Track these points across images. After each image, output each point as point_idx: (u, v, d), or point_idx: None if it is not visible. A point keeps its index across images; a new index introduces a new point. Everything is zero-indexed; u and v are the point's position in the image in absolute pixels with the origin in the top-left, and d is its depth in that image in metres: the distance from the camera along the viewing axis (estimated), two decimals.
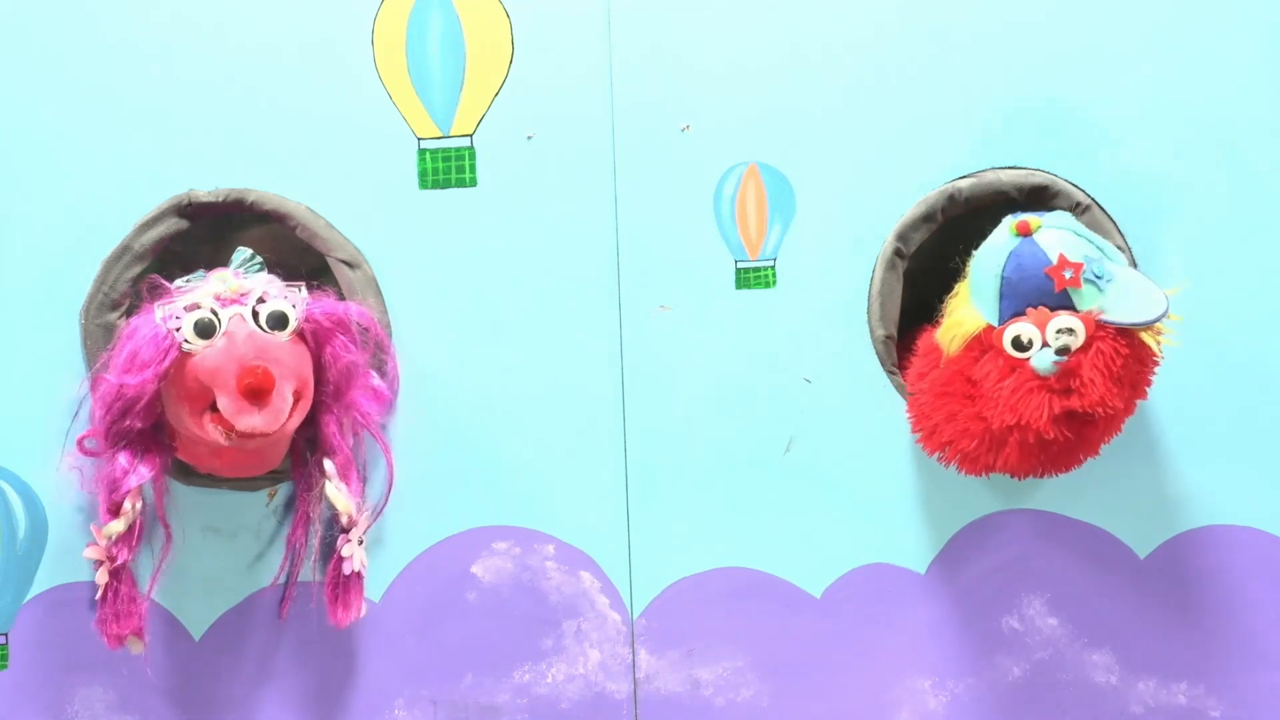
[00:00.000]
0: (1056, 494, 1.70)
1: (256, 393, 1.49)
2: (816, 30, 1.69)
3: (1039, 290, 1.50)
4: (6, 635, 1.69)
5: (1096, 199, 1.68)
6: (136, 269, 1.67)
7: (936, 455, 1.60)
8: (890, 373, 1.69)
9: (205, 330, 1.51)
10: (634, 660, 1.72)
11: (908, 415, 1.64)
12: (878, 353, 1.70)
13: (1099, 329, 1.48)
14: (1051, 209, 1.67)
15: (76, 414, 1.65)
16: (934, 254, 1.67)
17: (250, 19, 1.69)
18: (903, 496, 1.71)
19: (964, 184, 1.68)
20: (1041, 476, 1.59)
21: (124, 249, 1.67)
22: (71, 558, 1.67)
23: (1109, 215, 1.67)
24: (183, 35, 1.68)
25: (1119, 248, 1.66)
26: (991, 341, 1.52)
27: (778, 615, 1.71)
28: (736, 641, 1.72)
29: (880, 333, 1.69)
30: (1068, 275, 1.49)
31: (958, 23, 1.69)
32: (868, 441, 1.70)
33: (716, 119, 1.70)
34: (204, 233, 1.74)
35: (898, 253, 1.69)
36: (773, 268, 1.70)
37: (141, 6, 1.68)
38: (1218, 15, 1.67)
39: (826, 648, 1.71)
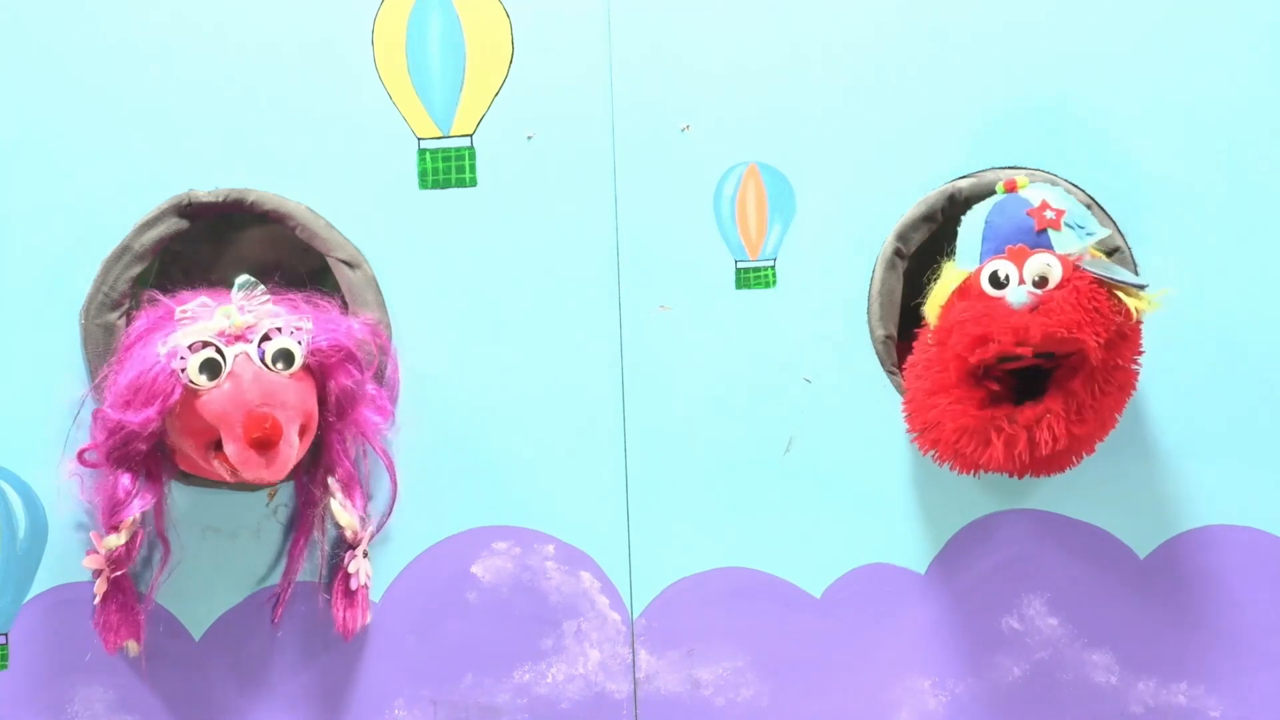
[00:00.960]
0: (1056, 494, 1.70)
1: (264, 445, 1.48)
2: (816, 30, 1.69)
3: (1019, 230, 1.52)
4: (6, 635, 1.69)
5: (1096, 199, 1.68)
6: (136, 269, 1.67)
7: (930, 454, 1.59)
8: (890, 373, 1.69)
9: (211, 371, 1.50)
10: (634, 660, 1.72)
11: (902, 414, 1.64)
12: (878, 353, 1.70)
13: (1076, 272, 1.49)
14: None
15: (77, 416, 1.65)
16: (934, 254, 1.67)
17: (250, 19, 1.69)
18: (902, 496, 1.71)
19: (964, 184, 1.68)
20: (1037, 475, 1.59)
21: (124, 249, 1.67)
22: (71, 558, 1.67)
23: (1109, 215, 1.67)
24: (183, 35, 1.68)
25: (1118, 248, 1.66)
26: (970, 285, 1.53)
27: (778, 615, 1.71)
28: (736, 641, 1.72)
29: (880, 333, 1.69)
30: (1049, 215, 1.50)
31: (958, 23, 1.69)
32: (868, 441, 1.70)
33: (716, 119, 1.70)
34: (204, 233, 1.74)
35: (898, 253, 1.69)
36: (773, 268, 1.70)
37: (141, 6, 1.68)
38: (1218, 15, 1.67)
39: (826, 648, 1.71)
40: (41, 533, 1.68)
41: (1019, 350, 1.48)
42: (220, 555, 1.69)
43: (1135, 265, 1.67)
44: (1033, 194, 1.55)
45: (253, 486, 1.68)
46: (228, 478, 1.52)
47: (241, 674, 1.71)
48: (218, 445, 1.51)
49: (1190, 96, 1.68)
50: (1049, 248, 1.51)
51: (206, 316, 1.53)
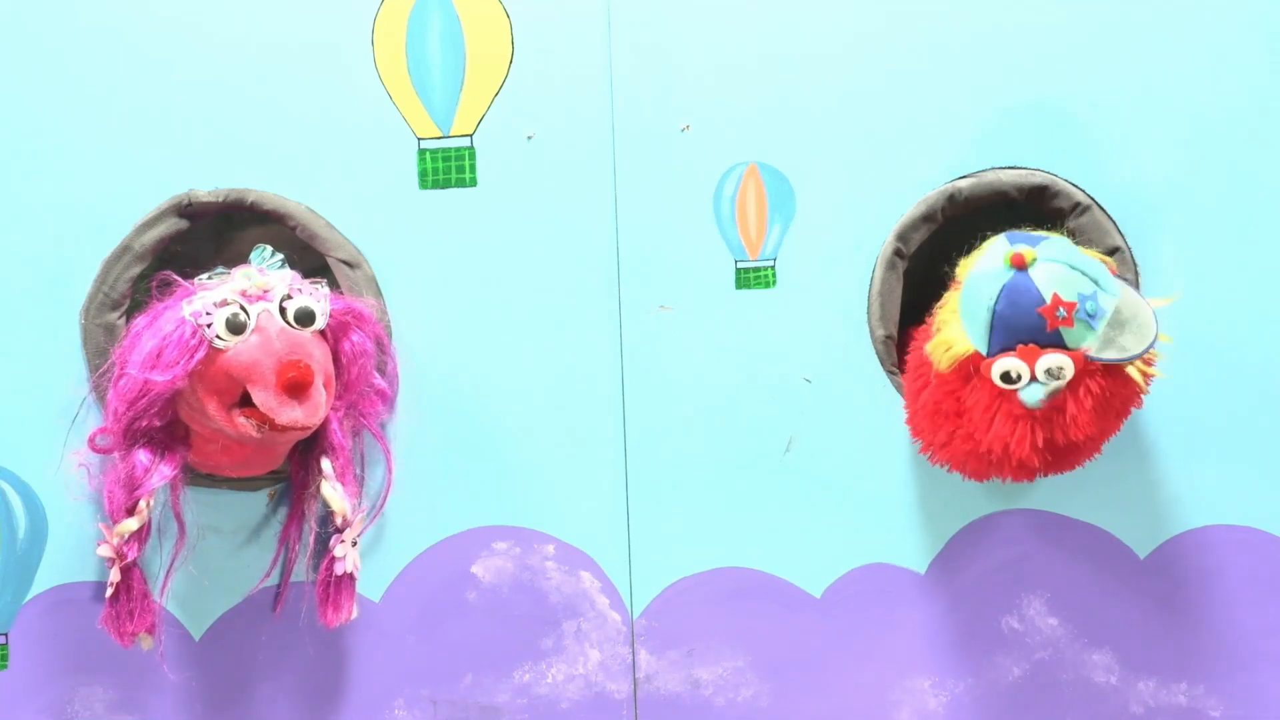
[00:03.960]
0: (1055, 494, 1.70)
1: (299, 387, 1.50)
2: (816, 30, 1.69)
3: (1030, 327, 1.48)
4: (6, 635, 1.69)
5: (1096, 199, 1.68)
6: (136, 269, 1.67)
7: (942, 466, 1.60)
8: (890, 373, 1.69)
9: (237, 327, 1.51)
10: (634, 660, 1.72)
11: (907, 427, 1.63)
12: (878, 353, 1.70)
13: (1088, 366, 1.48)
14: (1052, 209, 1.67)
15: (77, 414, 1.65)
16: (934, 254, 1.67)
17: (250, 19, 1.69)
18: (902, 496, 1.71)
19: (964, 184, 1.68)
20: (1043, 475, 1.59)
21: (124, 249, 1.67)
22: (71, 558, 1.67)
23: (1109, 215, 1.67)
24: (182, 35, 1.68)
25: (1118, 248, 1.66)
26: (979, 369, 1.51)
27: (778, 615, 1.71)
28: (736, 641, 1.72)
29: (880, 333, 1.69)
30: (1060, 315, 1.47)
31: (958, 22, 1.68)
32: (868, 441, 1.70)
33: (716, 119, 1.70)
34: (204, 233, 1.74)
35: (898, 253, 1.69)
36: (773, 268, 1.70)
37: (141, 6, 1.68)
38: (1218, 15, 1.67)
39: (826, 648, 1.71)
40: (41, 533, 1.68)
41: (1036, 464, 1.50)
42: (220, 555, 1.69)
43: (1135, 266, 1.67)
44: (1042, 277, 1.48)
45: (253, 484, 1.68)
46: (254, 434, 1.52)
47: (241, 674, 1.71)
48: (242, 404, 1.52)
49: (1190, 96, 1.67)
50: (1060, 345, 1.48)
51: (226, 282, 1.55)
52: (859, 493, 1.71)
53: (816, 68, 1.69)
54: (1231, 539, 1.69)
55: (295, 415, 1.51)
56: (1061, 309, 1.47)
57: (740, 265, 1.70)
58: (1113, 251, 1.65)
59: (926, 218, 1.68)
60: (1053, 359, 1.47)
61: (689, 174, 1.70)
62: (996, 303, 1.49)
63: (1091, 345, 1.48)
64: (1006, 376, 1.49)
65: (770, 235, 1.70)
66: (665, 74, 1.69)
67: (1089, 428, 1.48)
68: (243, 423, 1.51)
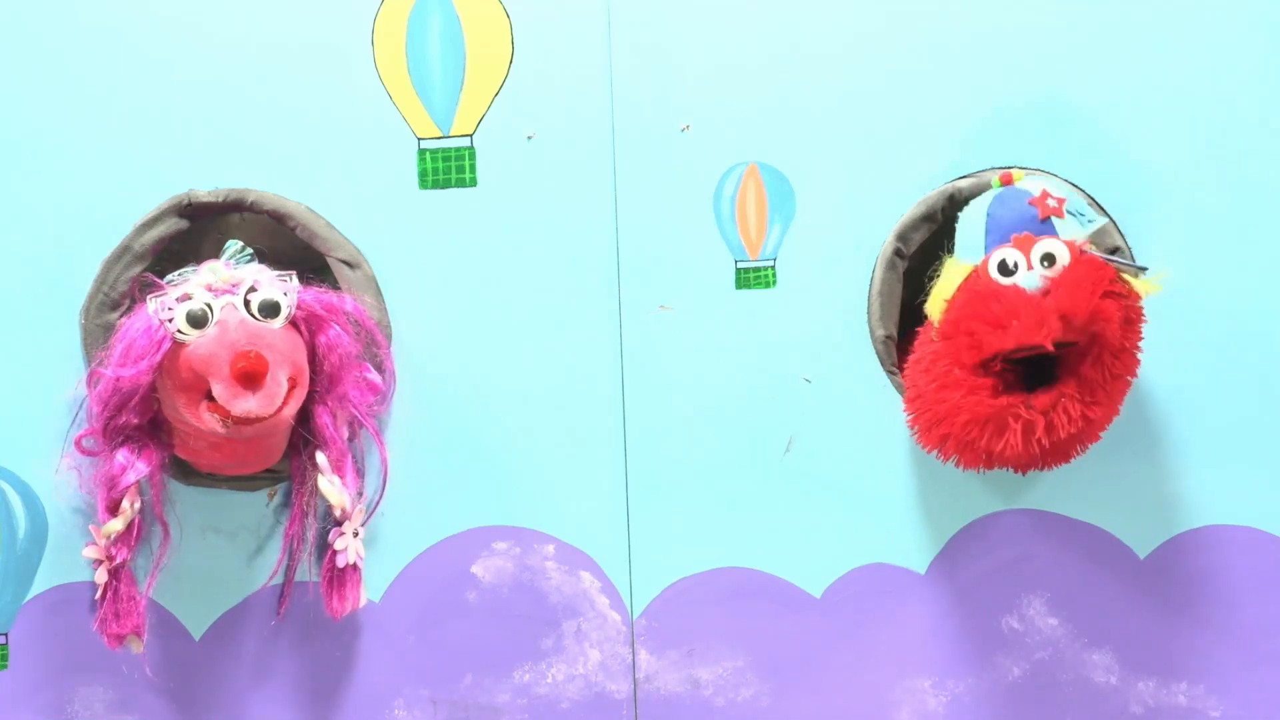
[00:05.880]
0: (1056, 493, 1.70)
1: (250, 376, 1.49)
2: (816, 30, 1.69)
3: (1023, 220, 1.52)
4: (6, 635, 1.69)
5: (1095, 198, 1.68)
6: (136, 269, 1.67)
7: (935, 451, 1.59)
8: (890, 373, 1.69)
9: (198, 320, 1.52)
10: (634, 660, 1.72)
11: (905, 412, 1.63)
12: (878, 353, 1.70)
13: (1083, 254, 1.50)
14: None
15: (77, 414, 1.65)
16: (934, 254, 1.67)
17: (250, 19, 1.69)
18: (902, 496, 1.71)
19: (964, 184, 1.68)
20: (1042, 468, 1.58)
21: (124, 249, 1.67)
22: (71, 558, 1.67)
23: (1108, 214, 1.67)
24: (182, 35, 1.69)
25: (1118, 248, 1.66)
26: (976, 277, 1.52)
27: (778, 615, 1.71)
28: (736, 641, 1.72)
29: (880, 333, 1.69)
30: (1051, 204, 1.50)
31: (957, 22, 1.69)
32: (868, 441, 1.70)
33: (716, 119, 1.70)
34: (204, 233, 1.74)
35: (898, 253, 1.69)
36: (773, 268, 1.70)
37: (141, 6, 1.68)
38: (1217, 15, 1.67)
39: (826, 648, 1.71)
40: (41, 533, 1.68)
41: (1039, 340, 1.46)
42: (220, 555, 1.69)
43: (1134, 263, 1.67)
44: (1031, 185, 1.55)
45: (252, 484, 1.68)
46: (219, 429, 1.51)
47: (241, 674, 1.71)
48: (208, 398, 1.52)
49: (1190, 95, 1.68)
50: (1054, 234, 1.51)
51: (194, 276, 1.56)
52: (859, 493, 1.71)
53: (816, 68, 1.69)
54: (1231, 539, 1.69)
55: (249, 406, 1.50)
56: (1052, 199, 1.51)
57: (740, 265, 1.70)
58: (1113, 251, 1.65)
59: (926, 218, 1.69)
60: (1048, 243, 1.49)
61: (689, 174, 1.70)
62: (989, 208, 1.54)
63: (1086, 242, 1.51)
64: (1003, 266, 1.50)
65: (770, 235, 1.70)
66: (665, 74, 1.69)
67: (1091, 300, 1.46)
68: (207, 417, 1.52)
